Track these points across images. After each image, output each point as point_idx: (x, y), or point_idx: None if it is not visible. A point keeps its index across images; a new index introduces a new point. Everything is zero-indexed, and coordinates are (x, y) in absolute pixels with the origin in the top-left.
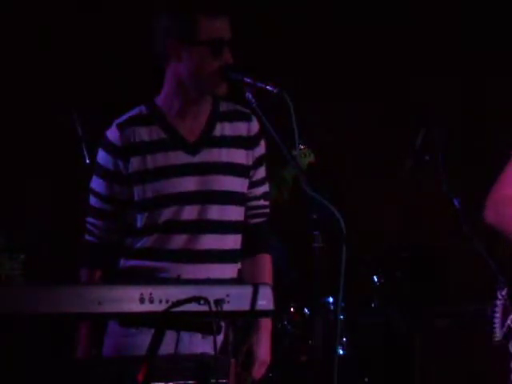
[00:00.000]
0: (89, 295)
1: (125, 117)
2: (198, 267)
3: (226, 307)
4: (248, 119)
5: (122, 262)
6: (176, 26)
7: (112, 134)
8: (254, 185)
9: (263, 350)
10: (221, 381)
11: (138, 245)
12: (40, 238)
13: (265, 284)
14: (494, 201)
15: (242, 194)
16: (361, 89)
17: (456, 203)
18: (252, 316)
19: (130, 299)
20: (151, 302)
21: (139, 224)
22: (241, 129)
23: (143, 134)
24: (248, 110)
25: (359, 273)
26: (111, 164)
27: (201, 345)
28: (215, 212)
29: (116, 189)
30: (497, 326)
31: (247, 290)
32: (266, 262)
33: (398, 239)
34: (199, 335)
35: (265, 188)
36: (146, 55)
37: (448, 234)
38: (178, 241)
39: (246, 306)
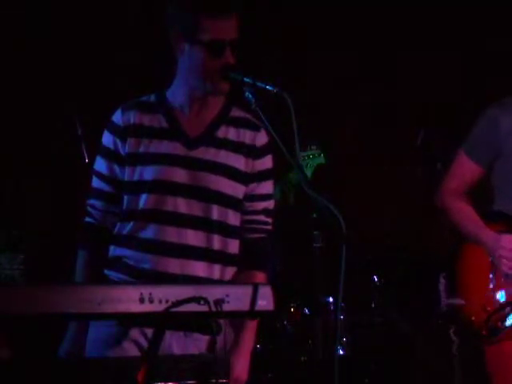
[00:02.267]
0: (89, 295)
1: (131, 101)
2: (180, 262)
3: (226, 307)
4: (256, 129)
5: (111, 249)
6: (179, 22)
7: (116, 114)
8: (254, 199)
9: (240, 367)
10: (221, 381)
11: (124, 232)
12: (40, 237)
13: (265, 284)
14: (442, 192)
15: (234, 197)
16: (361, 89)
17: None
18: (252, 316)
19: (130, 299)
20: (151, 301)
21: (124, 207)
22: (245, 136)
23: (145, 118)
24: (258, 122)
25: (359, 273)
26: (112, 143)
27: (183, 343)
28: (200, 208)
29: (115, 169)
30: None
31: (247, 290)
32: (258, 279)
33: (398, 239)
34: (181, 333)
35: (267, 204)
36: (145, 55)
37: (447, 234)
38: (160, 231)
39: (245, 306)
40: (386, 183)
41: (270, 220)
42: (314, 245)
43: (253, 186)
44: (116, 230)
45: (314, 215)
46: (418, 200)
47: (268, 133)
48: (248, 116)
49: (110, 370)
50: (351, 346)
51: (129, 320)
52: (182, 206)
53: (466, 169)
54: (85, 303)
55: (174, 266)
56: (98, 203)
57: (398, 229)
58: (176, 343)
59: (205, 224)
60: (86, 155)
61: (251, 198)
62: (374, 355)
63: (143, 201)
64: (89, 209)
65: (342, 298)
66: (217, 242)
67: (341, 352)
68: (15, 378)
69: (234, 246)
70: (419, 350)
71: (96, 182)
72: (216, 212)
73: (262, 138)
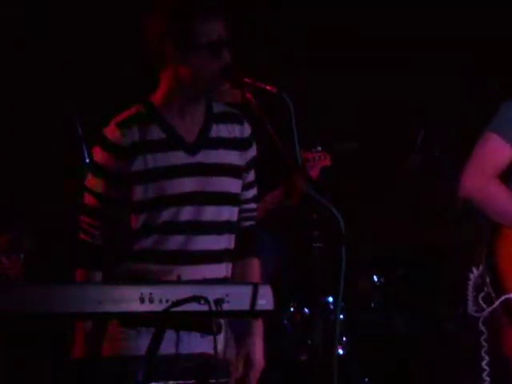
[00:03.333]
0: (89, 295)
1: (123, 116)
2: (194, 268)
3: (226, 307)
4: (241, 122)
5: (121, 265)
6: (174, 30)
7: (112, 133)
8: (245, 187)
9: (259, 354)
10: (221, 381)
11: (135, 247)
12: (40, 237)
13: (265, 284)
14: (472, 179)
15: (237, 194)
16: (361, 89)
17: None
18: (252, 316)
19: (130, 299)
20: (151, 301)
21: (136, 225)
22: (235, 131)
23: (143, 133)
24: (239, 112)
25: (359, 273)
26: (111, 163)
27: (200, 344)
28: (211, 213)
29: (114, 188)
30: (470, 301)
31: (247, 290)
32: (254, 265)
33: (398, 239)
34: (198, 335)
35: (254, 191)
36: (144, 55)
37: (448, 234)
38: (175, 242)
39: (245, 306)
40: (386, 183)
41: (256, 206)
42: (314, 245)
43: (244, 175)
44: (123, 245)
45: (314, 215)
46: (418, 200)
47: (268, 133)
48: (228, 108)
49: (110, 369)
50: (351, 346)
51: (129, 320)
52: (196, 213)
53: (499, 152)
54: (85, 303)
55: (197, 272)
56: (94, 221)
57: (399, 229)
58: (193, 345)
59: (217, 227)
60: (86, 155)
61: (243, 187)
62: (374, 355)
63: (161, 216)
64: (85, 226)
65: (342, 298)
66: (226, 242)
67: (341, 352)
68: (15, 377)
69: (233, 241)
70: (419, 350)
71: (90, 200)
72: (227, 212)
73: (247, 130)
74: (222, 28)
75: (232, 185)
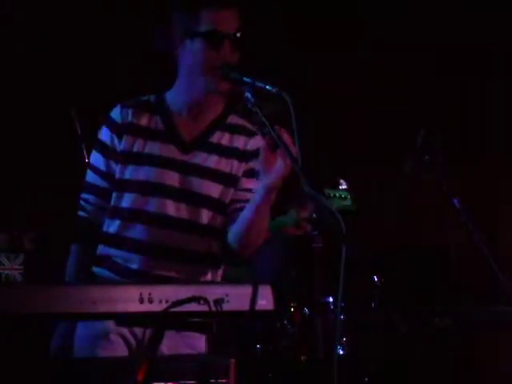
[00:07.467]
0: (88, 295)
1: (131, 100)
2: (159, 263)
3: (226, 307)
4: (250, 135)
5: (99, 247)
6: (180, 19)
7: (114, 111)
8: (243, 190)
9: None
10: (221, 381)
11: (111, 230)
12: (40, 238)
13: (265, 284)
14: None
15: (221, 201)
16: (361, 89)
17: (456, 203)
18: (252, 316)
19: (130, 299)
20: (150, 301)
21: (112, 204)
22: (239, 142)
23: (143, 118)
24: (255, 128)
25: (359, 273)
26: (108, 139)
27: (174, 341)
28: (189, 212)
29: (111, 165)
30: None
31: (247, 290)
32: None
33: (398, 239)
34: (174, 332)
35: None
36: (146, 55)
37: (448, 234)
38: (147, 232)
39: (245, 306)
40: (386, 182)
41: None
42: (314, 245)
43: (242, 180)
44: (104, 227)
45: (314, 215)
46: (418, 199)
47: (268, 134)
48: (245, 123)
49: (109, 370)
50: (351, 346)
51: (128, 320)
52: (171, 208)
53: None
54: (84, 303)
55: (160, 267)
56: (91, 198)
57: (398, 229)
58: (166, 341)
59: (192, 227)
60: (86, 155)
61: (240, 190)
62: (374, 355)
63: (132, 200)
64: (82, 203)
65: (341, 298)
66: (204, 245)
67: (341, 352)
68: (14, 377)
69: (218, 248)
70: (419, 350)
71: (91, 177)
72: (204, 216)
73: (255, 143)
74: (230, 21)
75: (216, 190)
